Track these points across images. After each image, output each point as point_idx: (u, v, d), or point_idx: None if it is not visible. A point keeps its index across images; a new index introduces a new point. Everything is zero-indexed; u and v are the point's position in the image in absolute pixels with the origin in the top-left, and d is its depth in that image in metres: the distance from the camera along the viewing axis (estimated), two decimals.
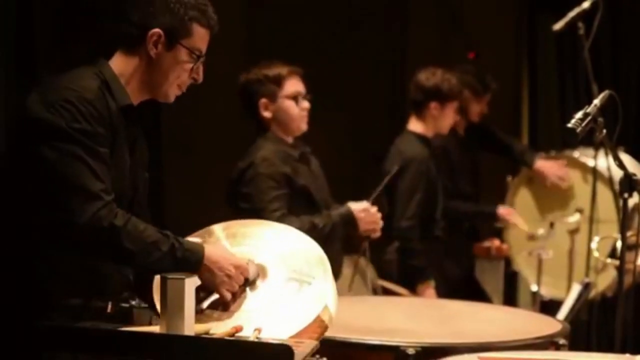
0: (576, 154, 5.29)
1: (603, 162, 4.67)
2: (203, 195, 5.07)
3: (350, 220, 3.89)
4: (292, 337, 2.45)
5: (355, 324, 3.17)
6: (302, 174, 3.96)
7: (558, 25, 4.73)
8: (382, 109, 6.10)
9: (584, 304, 4.59)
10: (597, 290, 4.87)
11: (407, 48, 6.28)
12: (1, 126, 3.50)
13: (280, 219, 3.48)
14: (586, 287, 4.53)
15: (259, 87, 3.97)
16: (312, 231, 3.00)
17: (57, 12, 3.92)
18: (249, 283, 2.64)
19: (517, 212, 5.36)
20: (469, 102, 5.35)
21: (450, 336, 3.13)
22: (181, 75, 2.73)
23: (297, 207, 3.86)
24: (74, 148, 2.52)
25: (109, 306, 2.63)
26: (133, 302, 2.67)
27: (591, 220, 4.61)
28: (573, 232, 5.03)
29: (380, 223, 3.96)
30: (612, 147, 3.12)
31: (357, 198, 3.95)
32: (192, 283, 2.41)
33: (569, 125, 2.91)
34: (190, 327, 2.38)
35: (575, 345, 3.64)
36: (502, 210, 5.33)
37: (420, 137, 4.88)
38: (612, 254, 4.19)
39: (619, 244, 3.52)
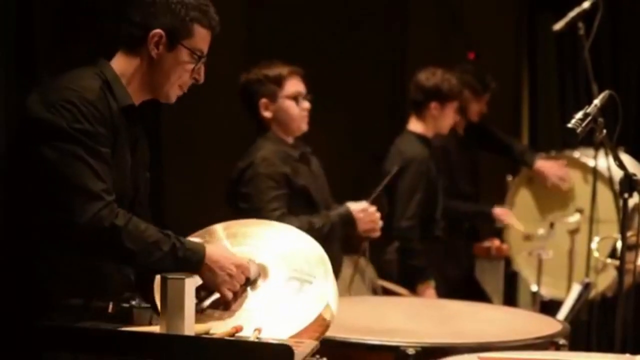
0: (576, 154, 5.29)
1: (603, 162, 4.67)
2: (203, 195, 5.07)
3: (349, 220, 3.89)
4: (294, 335, 2.46)
5: (355, 324, 3.17)
6: (302, 174, 3.96)
7: (558, 26, 4.72)
8: (382, 109, 6.10)
9: (584, 304, 4.58)
10: (597, 291, 4.87)
11: (407, 48, 6.28)
12: (1, 126, 3.50)
13: (279, 219, 3.48)
14: (586, 287, 4.53)
15: (259, 87, 3.97)
16: (310, 231, 3.00)
17: (57, 12, 3.92)
18: (250, 282, 2.64)
19: (518, 212, 5.36)
20: (469, 102, 5.35)
21: (450, 336, 3.13)
22: (182, 76, 2.73)
23: (296, 207, 3.86)
24: (75, 148, 2.52)
25: (110, 306, 2.63)
26: (133, 302, 2.67)
27: (591, 220, 4.61)
28: (573, 232, 5.03)
29: (380, 223, 3.96)
30: (612, 147, 3.12)
31: (358, 198, 3.96)
32: (192, 283, 2.41)
33: (569, 125, 2.91)
34: (190, 327, 2.38)
35: (575, 345, 3.65)
36: (498, 210, 5.34)
37: (421, 137, 4.88)
38: (612, 254, 4.19)
39: (619, 244, 3.52)
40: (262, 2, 5.74)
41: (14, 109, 3.44)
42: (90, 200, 2.49)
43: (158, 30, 2.68)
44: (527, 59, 6.22)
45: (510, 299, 5.53)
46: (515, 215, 5.40)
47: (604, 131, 3.00)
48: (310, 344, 2.41)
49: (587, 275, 4.58)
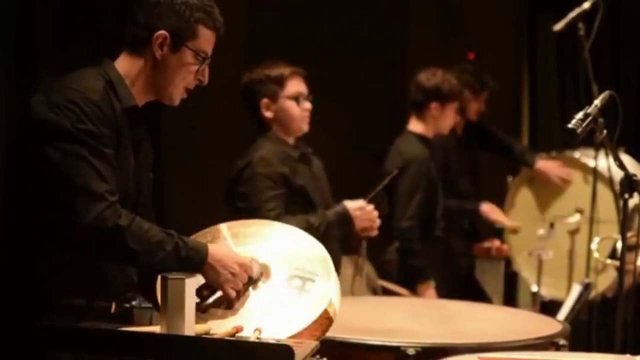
0: (577, 154, 5.29)
1: (603, 162, 4.67)
2: (203, 195, 5.07)
3: (346, 218, 3.88)
4: (298, 333, 2.46)
5: (356, 324, 3.17)
6: (301, 175, 3.96)
7: (558, 26, 4.72)
8: (382, 109, 6.11)
9: (584, 304, 4.58)
10: (597, 291, 4.87)
11: (407, 48, 6.28)
12: (1, 126, 3.50)
13: (276, 219, 3.48)
14: (586, 287, 4.53)
15: (260, 87, 3.97)
16: (308, 230, 3.00)
17: (57, 12, 3.91)
18: (252, 282, 2.65)
19: (518, 213, 5.37)
20: (467, 101, 5.35)
21: (450, 336, 3.13)
22: (186, 77, 2.73)
23: (294, 207, 3.87)
24: (78, 149, 2.52)
25: (113, 306, 2.63)
26: (134, 302, 2.67)
27: (591, 220, 4.61)
28: (573, 232, 5.03)
29: (377, 222, 3.95)
30: (612, 147, 3.12)
31: (357, 198, 3.95)
32: (192, 283, 2.42)
33: (570, 125, 2.91)
34: (191, 327, 2.38)
35: (575, 345, 3.64)
36: (485, 207, 5.35)
37: (421, 138, 4.88)
38: (612, 255, 4.19)
39: (619, 245, 3.52)
40: (262, 2, 5.74)
41: (14, 109, 3.44)
42: (94, 200, 2.49)
43: (162, 32, 2.67)
44: (527, 59, 6.22)
45: (510, 299, 5.53)
46: (516, 215, 5.41)
47: (604, 131, 3.00)
48: (310, 344, 2.41)
49: (587, 275, 4.58)
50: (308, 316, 2.52)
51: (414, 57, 5.99)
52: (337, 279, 2.67)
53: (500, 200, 5.45)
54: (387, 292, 4.49)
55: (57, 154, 2.52)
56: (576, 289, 4.53)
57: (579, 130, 2.89)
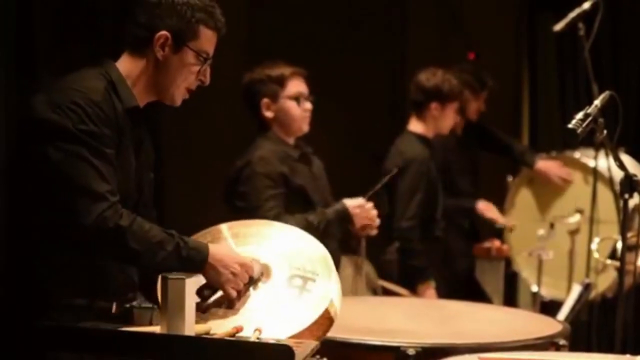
0: (577, 154, 5.29)
1: (604, 162, 4.67)
2: (203, 195, 5.07)
3: (345, 216, 3.88)
4: (299, 332, 2.47)
5: (356, 325, 3.17)
6: (300, 174, 3.96)
7: (559, 26, 4.72)
8: (382, 109, 6.10)
9: (584, 304, 4.58)
10: (598, 291, 4.87)
11: (407, 48, 6.28)
12: (1, 126, 3.50)
13: (275, 218, 3.48)
14: (586, 287, 4.53)
15: (261, 87, 3.97)
16: (307, 229, 3.01)
17: (57, 12, 3.91)
18: (253, 281, 2.65)
19: (518, 213, 5.36)
20: (467, 101, 5.35)
21: (450, 336, 3.13)
22: (188, 78, 2.73)
23: (293, 207, 3.87)
24: (79, 149, 2.52)
25: (114, 307, 2.63)
26: (134, 303, 2.67)
27: (591, 221, 4.61)
28: (573, 232, 5.02)
29: (377, 220, 3.95)
30: (612, 147, 3.12)
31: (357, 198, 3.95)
32: (192, 283, 2.42)
33: (570, 125, 2.91)
34: (191, 327, 2.38)
35: (575, 345, 3.64)
36: (481, 204, 5.35)
37: (421, 138, 4.88)
38: (613, 255, 4.19)
39: (619, 245, 3.52)
40: (262, 2, 5.74)
41: (14, 109, 3.43)
42: (95, 201, 2.50)
43: (164, 32, 2.67)
44: (527, 59, 6.22)
45: (510, 299, 5.52)
46: (516, 215, 5.41)
47: (605, 132, 3.00)
48: (310, 344, 2.41)
49: (587, 275, 4.58)
50: (309, 316, 2.52)
51: (414, 57, 5.99)
52: (337, 279, 2.67)
53: (500, 200, 5.45)
54: (387, 292, 4.49)
55: (59, 154, 2.52)
56: (576, 289, 4.53)
57: (579, 131, 2.89)
